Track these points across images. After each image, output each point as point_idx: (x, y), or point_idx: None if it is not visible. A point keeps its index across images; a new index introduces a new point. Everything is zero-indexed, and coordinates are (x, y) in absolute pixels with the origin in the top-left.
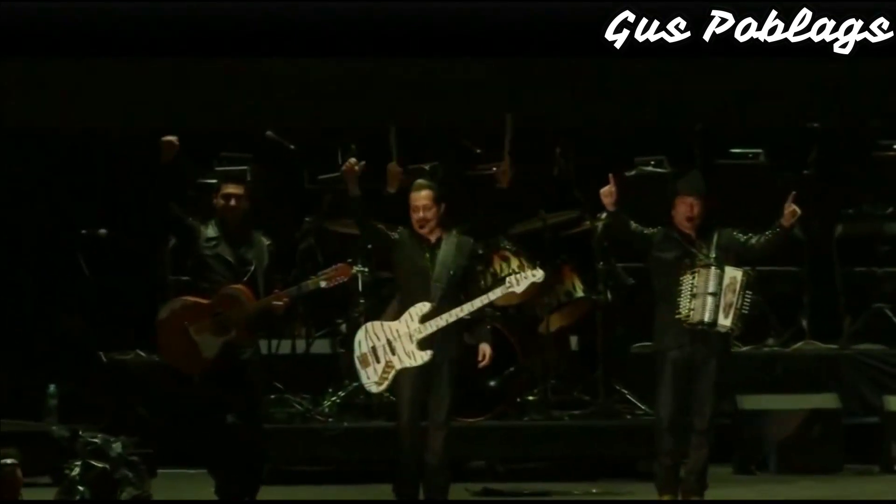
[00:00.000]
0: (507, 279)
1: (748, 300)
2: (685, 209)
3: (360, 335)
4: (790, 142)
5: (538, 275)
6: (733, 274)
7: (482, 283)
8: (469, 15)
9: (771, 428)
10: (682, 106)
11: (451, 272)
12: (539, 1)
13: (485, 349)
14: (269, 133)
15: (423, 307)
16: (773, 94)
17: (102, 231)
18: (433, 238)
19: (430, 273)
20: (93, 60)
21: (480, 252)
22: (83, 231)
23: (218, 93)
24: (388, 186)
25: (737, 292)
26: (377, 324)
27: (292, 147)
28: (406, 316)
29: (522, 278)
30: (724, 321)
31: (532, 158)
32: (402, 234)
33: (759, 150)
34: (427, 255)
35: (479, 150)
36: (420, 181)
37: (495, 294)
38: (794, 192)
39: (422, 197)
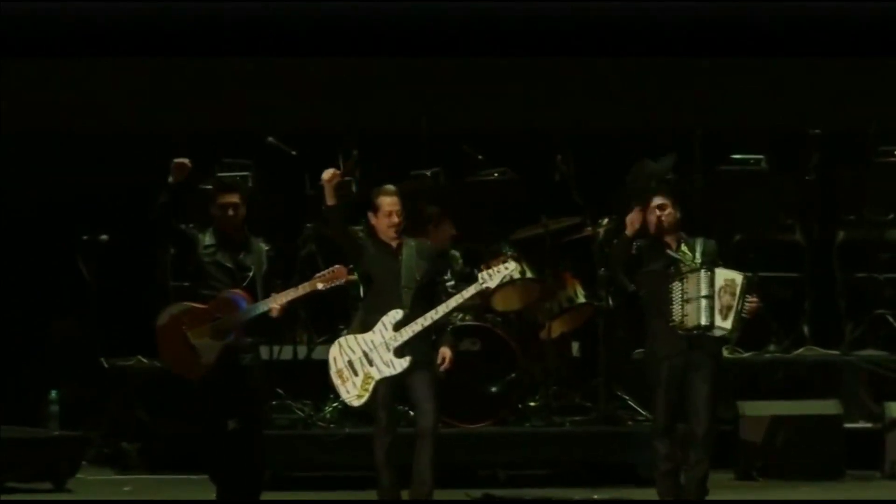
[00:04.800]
0: (480, 275)
1: (748, 304)
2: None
3: (333, 351)
4: (791, 147)
5: (511, 266)
6: (731, 276)
7: None
8: (473, 17)
9: (772, 434)
10: (682, 111)
11: (418, 277)
12: (542, 2)
13: (445, 353)
14: (270, 139)
15: (396, 315)
16: (774, 99)
17: (104, 236)
18: (395, 244)
19: (400, 279)
20: (94, 60)
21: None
22: (84, 236)
23: (220, 95)
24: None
25: (736, 296)
26: (350, 338)
27: (293, 153)
28: (380, 326)
29: (495, 272)
30: (724, 323)
31: (533, 164)
32: (365, 242)
33: (761, 156)
34: (395, 260)
35: (480, 156)
36: (388, 186)
37: (469, 292)
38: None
39: (394, 202)
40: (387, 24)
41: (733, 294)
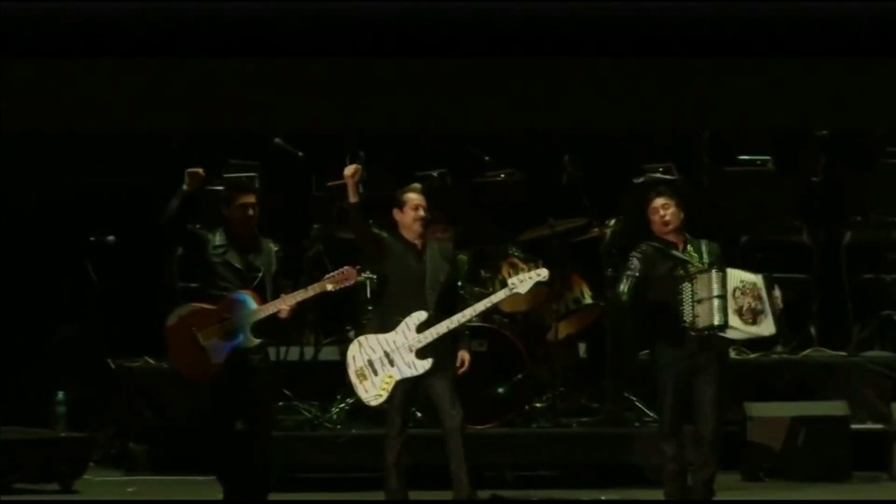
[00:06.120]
0: (510, 280)
1: (776, 299)
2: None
3: (353, 350)
4: (795, 148)
5: (542, 273)
6: (749, 279)
7: (490, 289)
8: (473, 17)
9: (779, 435)
10: (684, 111)
11: (442, 279)
12: (542, 2)
13: (464, 356)
14: (277, 140)
15: (420, 316)
16: (776, 100)
17: (111, 237)
18: (419, 243)
19: (424, 279)
20: (94, 61)
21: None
22: (91, 237)
23: (220, 95)
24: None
25: (764, 299)
26: (371, 337)
27: (300, 154)
28: (402, 326)
29: (527, 278)
30: (763, 328)
31: (534, 165)
32: (389, 241)
33: (768, 157)
34: (419, 260)
35: (487, 157)
36: (414, 184)
37: (498, 297)
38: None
39: (420, 197)
40: (387, 24)
41: (758, 297)
